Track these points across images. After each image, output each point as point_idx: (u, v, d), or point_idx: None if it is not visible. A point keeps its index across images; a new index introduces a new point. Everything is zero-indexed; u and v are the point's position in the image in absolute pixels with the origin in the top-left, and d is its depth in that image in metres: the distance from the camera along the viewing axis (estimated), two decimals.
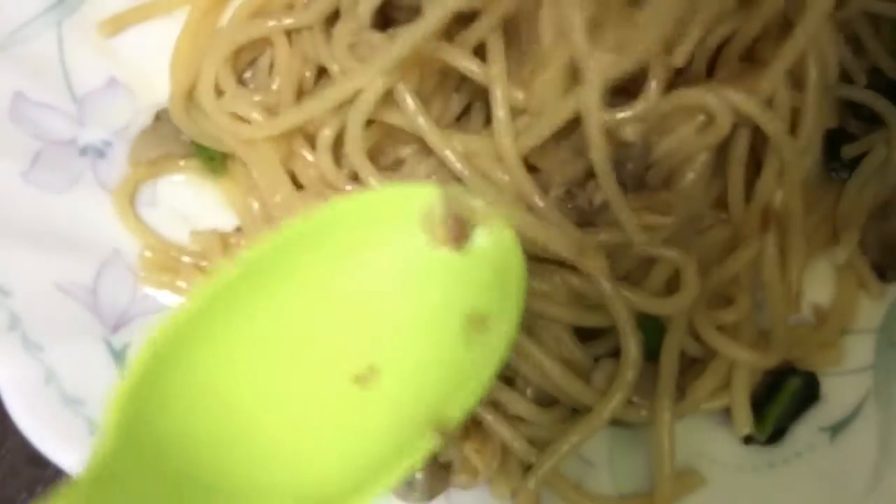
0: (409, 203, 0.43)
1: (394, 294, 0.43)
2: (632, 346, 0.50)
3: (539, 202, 0.51)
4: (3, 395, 0.49)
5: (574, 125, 0.51)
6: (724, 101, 0.50)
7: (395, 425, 0.39)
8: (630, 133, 0.50)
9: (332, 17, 0.55)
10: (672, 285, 0.52)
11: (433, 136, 0.52)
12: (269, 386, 0.39)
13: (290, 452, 0.38)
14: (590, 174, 0.52)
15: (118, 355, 0.53)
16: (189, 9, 0.62)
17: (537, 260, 0.52)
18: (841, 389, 0.54)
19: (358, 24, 0.52)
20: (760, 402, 0.53)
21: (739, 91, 0.50)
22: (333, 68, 0.54)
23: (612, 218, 0.52)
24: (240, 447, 0.37)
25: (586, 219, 0.52)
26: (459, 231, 0.42)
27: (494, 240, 0.43)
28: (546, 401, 0.52)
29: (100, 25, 0.61)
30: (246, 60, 0.59)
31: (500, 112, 0.51)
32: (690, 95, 0.50)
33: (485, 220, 0.43)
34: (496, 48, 0.51)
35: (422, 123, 0.52)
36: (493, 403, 0.52)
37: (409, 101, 0.52)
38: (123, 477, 0.34)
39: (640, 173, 0.53)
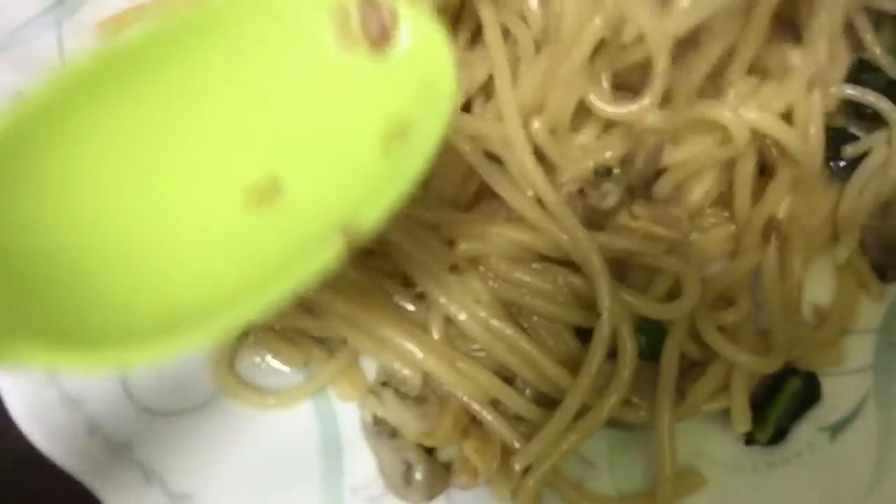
0: None
1: (300, 97, 0.39)
2: (628, 346, 0.50)
3: (551, 197, 0.51)
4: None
5: (585, 119, 0.52)
6: (741, 119, 0.51)
7: (297, 234, 0.36)
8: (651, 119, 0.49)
9: None
10: (673, 289, 0.53)
11: None
12: (150, 187, 0.36)
13: (173, 261, 0.35)
14: (599, 174, 0.52)
15: None
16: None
17: (541, 259, 0.53)
18: (841, 389, 0.54)
19: None
20: (761, 402, 0.53)
21: (757, 109, 0.51)
22: None
23: (620, 223, 0.52)
24: (103, 246, 0.34)
25: (595, 219, 0.52)
26: (378, 32, 0.38)
27: (421, 38, 0.38)
28: (545, 401, 0.52)
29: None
30: None
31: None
32: (707, 111, 0.51)
33: (408, 18, 0.38)
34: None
35: None
36: (492, 403, 0.52)
37: None
38: None
39: (648, 177, 0.53)
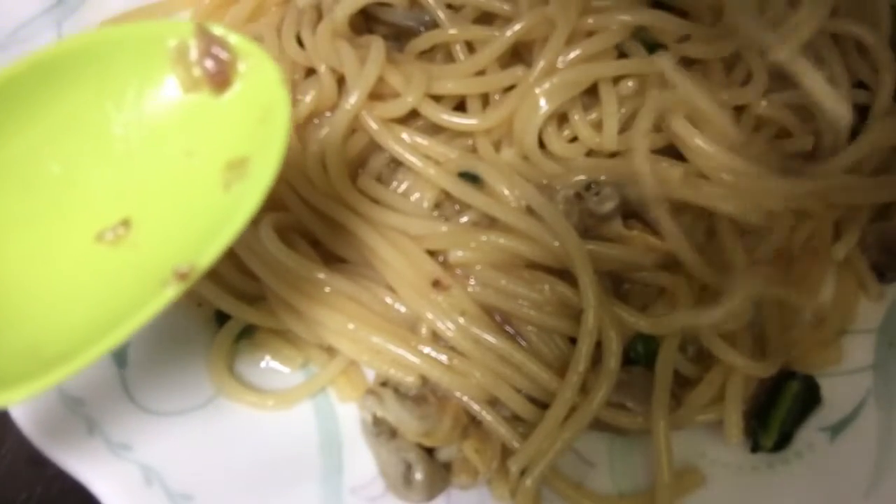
0: (156, 38, 0.39)
1: (143, 138, 0.39)
2: (612, 335, 0.51)
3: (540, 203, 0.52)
4: None
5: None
6: None
7: (142, 276, 0.37)
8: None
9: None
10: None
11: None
12: (8, 234, 0.37)
13: (23, 305, 0.36)
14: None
15: (118, 355, 0.53)
16: (191, 12, 0.62)
17: (529, 267, 0.53)
18: (841, 389, 0.54)
19: (333, 27, 0.53)
20: (762, 409, 0.53)
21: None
22: (321, 69, 0.55)
23: (614, 231, 0.53)
24: None
25: (590, 224, 0.53)
26: (218, 74, 0.39)
27: (257, 77, 0.39)
28: (542, 399, 0.53)
29: (100, 26, 0.61)
30: None
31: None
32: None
33: (245, 56, 0.39)
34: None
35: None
36: (491, 403, 0.52)
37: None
38: None
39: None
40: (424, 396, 0.51)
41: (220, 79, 0.39)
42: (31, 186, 0.38)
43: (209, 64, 0.39)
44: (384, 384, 0.52)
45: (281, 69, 0.39)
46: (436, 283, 0.52)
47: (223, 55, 0.39)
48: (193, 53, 0.39)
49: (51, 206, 0.38)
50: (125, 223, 0.39)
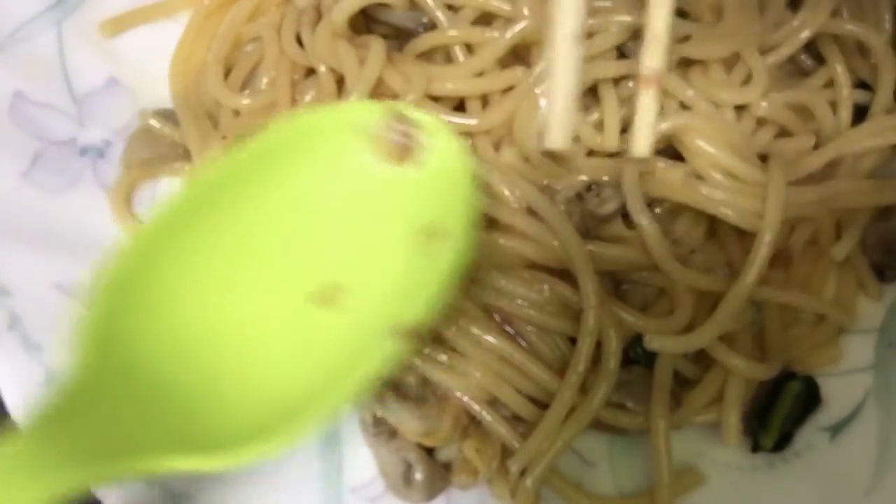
0: (351, 120, 0.44)
1: (346, 211, 0.44)
2: (612, 334, 0.50)
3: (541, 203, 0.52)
4: (3, 394, 0.49)
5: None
6: None
7: (358, 335, 0.41)
8: None
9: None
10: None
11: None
12: (232, 304, 0.41)
13: (255, 367, 0.40)
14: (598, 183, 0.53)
15: None
16: (192, 12, 0.62)
17: (526, 267, 0.53)
18: (841, 389, 0.54)
19: (333, 28, 0.53)
20: (762, 410, 0.53)
21: None
22: (320, 70, 0.55)
23: (615, 231, 0.53)
24: (205, 360, 0.39)
25: (591, 225, 0.53)
26: (404, 147, 0.44)
27: (441, 151, 0.44)
28: (543, 399, 0.53)
29: (101, 26, 0.61)
30: (244, 74, 0.61)
31: None
32: None
33: (431, 132, 0.44)
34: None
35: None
36: (491, 403, 0.52)
37: None
38: (96, 397, 0.36)
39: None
40: (424, 396, 0.51)
41: (409, 153, 0.44)
42: (254, 255, 0.43)
43: (399, 139, 0.44)
44: (384, 384, 0.52)
45: (461, 143, 0.45)
46: None
47: (411, 131, 0.44)
48: (385, 131, 0.44)
49: (269, 271, 0.43)
50: (336, 287, 0.43)
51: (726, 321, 0.51)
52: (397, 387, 0.51)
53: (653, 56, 0.50)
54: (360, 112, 0.45)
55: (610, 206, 0.52)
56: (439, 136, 0.44)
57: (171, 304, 0.40)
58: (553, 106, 0.49)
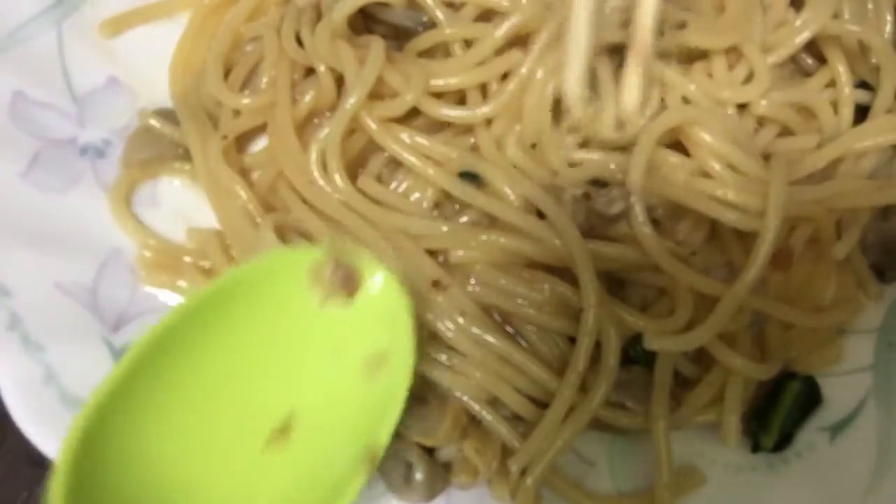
0: (298, 264, 0.48)
1: (297, 347, 0.47)
2: (612, 333, 0.51)
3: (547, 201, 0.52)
4: (3, 394, 0.49)
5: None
6: None
7: (327, 464, 0.44)
8: None
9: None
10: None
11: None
12: (198, 443, 0.44)
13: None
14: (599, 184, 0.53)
15: (118, 355, 0.53)
16: (191, 12, 0.62)
17: (527, 266, 0.53)
18: (841, 389, 0.54)
19: (332, 28, 0.53)
20: (763, 410, 0.53)
21: None
22: (320, 70, 0.55)
23: (620, 231, 0.53)
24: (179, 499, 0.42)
25: (596, 224, 0.53)
26: (348, 285, 0.48)
27: (382, 285, 0.47)
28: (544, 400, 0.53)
29: (101, 26, 0.61)
30: (244, 73, 0.61)
31: None
32: None
33: (370, 269, 0.48)
34: None
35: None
36: (491, 403, 0.52)
37: None
38: None
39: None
40: (424, 397, 0.51)
41: (351, 288, 0.48)
42: (208, 399, 0.45)
43: (340, 278, 0.48)
44: None
45: (400, 279, 0.48)
46: (435, 284, 0.52)
47: (351, 270, 0.48)
48: (327, 271, 0.47)
49: (223, 414, 0.45)
50: (294, 417, 0.46)
51: (725, 320, 0.51)
52: None
53: (641, 27, 0.51)
54: (304, 256, 0.48)
55: (617, 207, 0.52)
56: (377, 271, 0.48)
57: (142, 446, 0.42)
58: (573, 63, 0.50)
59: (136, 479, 0.41)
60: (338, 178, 0.54)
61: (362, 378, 0.47)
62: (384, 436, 0.44)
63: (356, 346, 0.48)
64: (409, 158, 0.54)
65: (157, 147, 0.59)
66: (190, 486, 0.42)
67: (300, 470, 0.44)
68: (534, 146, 0.55)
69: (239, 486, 0.44)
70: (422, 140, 0.55)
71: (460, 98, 0.56)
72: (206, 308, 0.46)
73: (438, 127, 0.56)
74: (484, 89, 0.56)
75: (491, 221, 0.54)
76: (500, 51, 0.55)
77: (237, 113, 0.59)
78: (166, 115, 0.60)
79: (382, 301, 0.47)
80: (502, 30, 0.53)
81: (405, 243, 0.53)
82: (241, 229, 0.56)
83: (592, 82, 0.53)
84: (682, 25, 0.54)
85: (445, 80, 0.55)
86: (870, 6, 0.57)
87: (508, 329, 0.54)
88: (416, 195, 0.55)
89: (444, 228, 0.53)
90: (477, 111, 0.54)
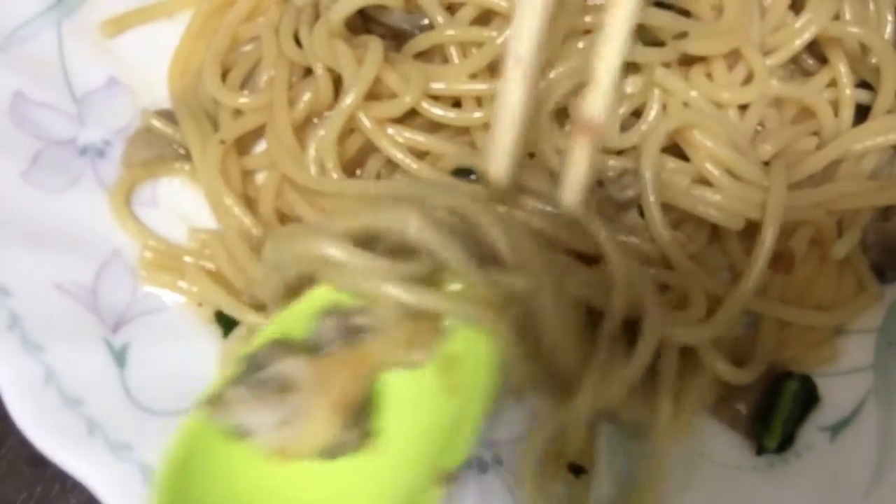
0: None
1: None
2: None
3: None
4: (3, 394, 0.49)
5: None
6: None
7: (401, 483, 0.41)
8: None
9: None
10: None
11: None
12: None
13: None
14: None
15: (118, 355, 0.53)
16: (193, 13, 0.62)
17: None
18: (841, 389, 0.54)
19: (330, 28, 0.53)
20: (763, 411, 0.53)
21: None
22: (318, 70, 0.55)
23: (631, 220, 0.53)
24: None
25: (608, 212, 0.53)
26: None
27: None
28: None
29: (101, 26, 0.61)
30: (242, 73, 0.61)
31: None
32: None
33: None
34: None
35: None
36: None
37: None
38: None
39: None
40: (293, 381, 0.41)
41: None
42: None
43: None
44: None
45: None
46: None
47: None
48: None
49: None
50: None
51: (734, 318, 0.51)
52: (261, 365, 0.42)
53: (592, 103, 0.47)
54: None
55: (630, 192, 0.52)
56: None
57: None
58: (498, 130, 0.47)
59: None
60: (329, 166, 0.54)
61: (439, 390, 0.43)
62: (456, 458, 0.40)
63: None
64: (404, 159, 0.54)
65: (158, 147, 0.59)
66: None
67: (378, 484, 0.41)
68: (532, 156, 0.55)
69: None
70: (421, 138, 0.55)
71: (456, 100, 0.56)
72: None
73: (434, 128, 0.56)
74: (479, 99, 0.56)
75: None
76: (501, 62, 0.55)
77: (236, 114, 0.59)
78: (168, 115, 0.60)
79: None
80: (504, 36, 0.53)
81: None
82: (235, 247, 0.56)
83: None
84: (682, 35, 0.54)
85: (446, 84, 0.55)
86: (871, 6, 0.57)
87: None
88: None
89: None
90: (473, 114, 0.55)
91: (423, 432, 0.41)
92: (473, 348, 0.42)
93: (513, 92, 0.46)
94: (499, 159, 0.48)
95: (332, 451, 0.40)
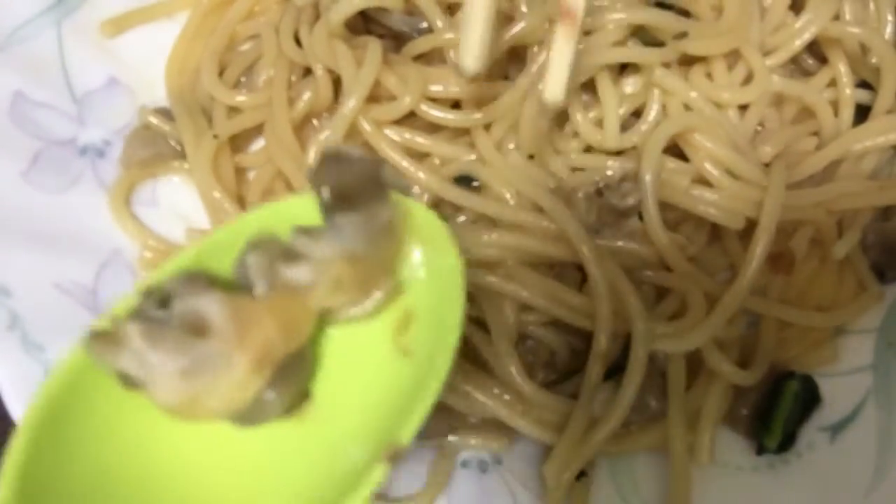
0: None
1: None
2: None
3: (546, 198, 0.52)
4: (3, 394, 0.49)
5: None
6: None
7: (341, 455, 0.34)
8: None
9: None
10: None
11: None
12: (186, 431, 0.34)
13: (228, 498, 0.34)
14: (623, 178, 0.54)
15: None
16: (191, 11, 0.62)
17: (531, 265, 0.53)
18: (841, 389, 0.54)
19: (329, 28, 0.53)
20: (764, 412, 0.53)
21: None
22: (317, 70, 0.55)
23: (631, 227, 0.53)
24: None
25: (609, 220, 0.53)
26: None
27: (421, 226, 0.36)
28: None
29: (102, 26, 0.61)
30: (239, 71, 0.61)
31: None
32: None
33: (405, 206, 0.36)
34: None
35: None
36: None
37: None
38: None
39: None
40: (204, 322, 0.32)
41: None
42: None
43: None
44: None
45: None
46: None
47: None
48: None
49: None
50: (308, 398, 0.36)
51: (726, 318, 0.51)
52: (166, 300, 0.33)
53: None
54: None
55: (630, 200, 0.52)
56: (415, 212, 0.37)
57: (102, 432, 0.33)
58: (469, 32, 0.44)
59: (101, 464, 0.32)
60: None
61: (391, 353, 0.35)
62: (407, 433, 0.32)
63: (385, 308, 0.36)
64: (402, 163, 0.54)
65: (157, 146, 0.59)
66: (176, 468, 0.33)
67: (310, 458, 0.34)
68: (531, 157, 0.55)
69: (238, 475, 0.34)
70: (423, 139, 0.55)
71: (454, 102, 0.56)
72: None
73: (432, 129, 0.56)
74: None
75: (491, 222, 0.54)
76: (499, 60, 0.54)
77: (231, 111, 0.59)
78: (165, 113, 0.60)
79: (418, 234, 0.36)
80: (503, 41, 0.53)
81: None
82: None
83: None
84: (682, 35, 0.54)
85: (444, 88, 0.54)
86: (871, 6, 0.57)
87: None
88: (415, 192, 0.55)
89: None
90: (473, 116, 0.54)
91: (369, 399, 0.34)
92: (433, 303, 0.35)
93: None
94: (472, 48, 0.44)
95: (251, 416, 0.33)
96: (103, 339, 0.31)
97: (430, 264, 0.36)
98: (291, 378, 0.33)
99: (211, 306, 0.31)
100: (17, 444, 0.30)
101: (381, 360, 0.35)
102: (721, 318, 0.51)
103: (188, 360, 0.30)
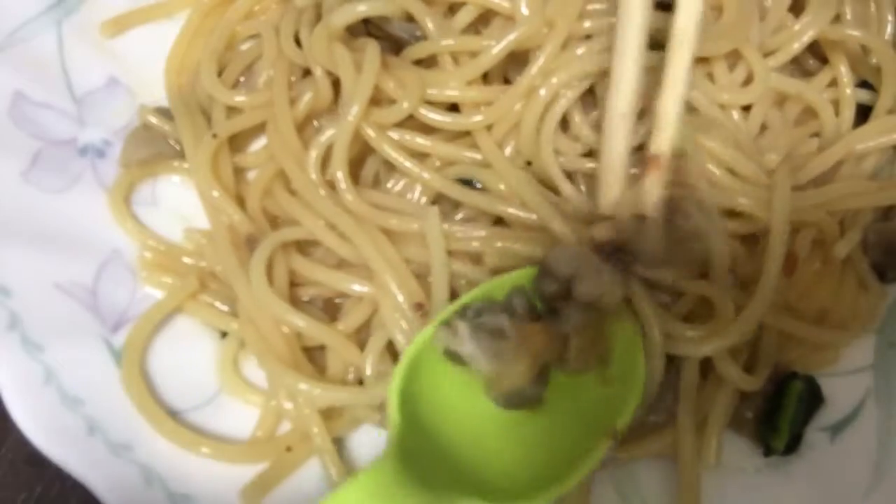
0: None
1: None
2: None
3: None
4: (3, 395, 0.49)
5: None
6: None
7: (573, 437, 0.49)
8: None
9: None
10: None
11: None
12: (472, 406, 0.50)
13: (498, 461, 0.49)
14: None
15: (118, 355, 0.53)
16: (190, 11, 0.62)
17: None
18: (841, 389, 0.54)
19: (329, 32, 0.53)
20: (769, 413, 0.53)
21: None
22: (317, 72, 0.55)
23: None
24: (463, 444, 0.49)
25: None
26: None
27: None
28: None
29: (102, 26, 0.61)
30: (238, 71, 0.61)
31: None
32: None
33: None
34: None
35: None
36: None
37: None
38: (410, 453, 0.45)
39: None
40: (503, 331, 0.49)
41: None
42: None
43: None
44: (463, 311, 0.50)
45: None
46: (418, 307, 0.52)
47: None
48: None
49: None
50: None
51: (756, 323, 0.52)
52: (479, 313, 0.50)
53: (660, 142, 0.49)
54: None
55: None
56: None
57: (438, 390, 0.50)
58: (608, 168, 0.51)
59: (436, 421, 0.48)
60: (342, 185, 0.54)
61: (594, 382, 0.50)
62: (623, 422, 0.48)
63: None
64: (406, 164, 0.54)
65: (156, 145, 0.59)
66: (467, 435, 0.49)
67: (548, 438, 0.50)
68: (529, 164, 0.55)
69: (499, 442, 0.49)
70: (423, 140, 0.55)
71: (452, 104, 0.56)
72: None
73: (431, 130, 0.56)
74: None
75: (491, 220, 0.54)
76: (499, 63, 0.55)
77: (230, 111, 0.59)
78: (165, 112, 0.60)
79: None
80: (500, 46, 0.53)
81: (397, 260, 0.53)
82: (223, 244, 0.56)
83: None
84: None
85: (442, 91, 0.54)
86: (871, 7, 0.57)
87: None
88: (415, 193, 0.56)
89: (445, 227, 0.53)
90: (473, 118, 0.54)
91: (580, 409, 0.50)
92: (623, 341, 0.50)
93: (619, 143, 0.50)
94: (609, 195, 0.51)
95: (516, 399, 0.49)
96: (445, 328, 0.48)
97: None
98: (542, 383, 0.50)
99: (503, 322, 0.48)
100: (399, 369, 0.48)
101: (588, 388, 0.50)
102: (749, 324, 0.51)
103: (494, 350, 0.47)
